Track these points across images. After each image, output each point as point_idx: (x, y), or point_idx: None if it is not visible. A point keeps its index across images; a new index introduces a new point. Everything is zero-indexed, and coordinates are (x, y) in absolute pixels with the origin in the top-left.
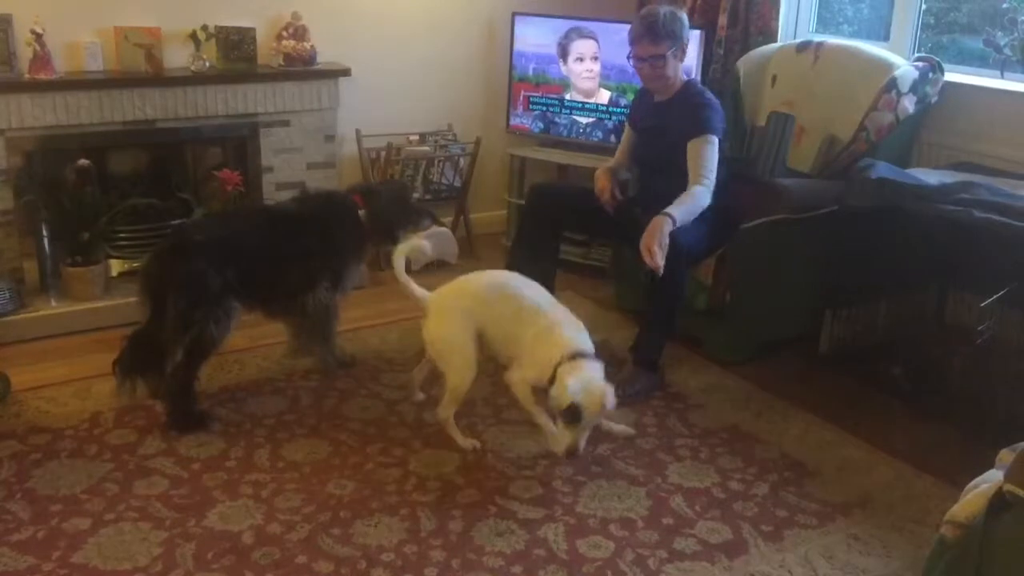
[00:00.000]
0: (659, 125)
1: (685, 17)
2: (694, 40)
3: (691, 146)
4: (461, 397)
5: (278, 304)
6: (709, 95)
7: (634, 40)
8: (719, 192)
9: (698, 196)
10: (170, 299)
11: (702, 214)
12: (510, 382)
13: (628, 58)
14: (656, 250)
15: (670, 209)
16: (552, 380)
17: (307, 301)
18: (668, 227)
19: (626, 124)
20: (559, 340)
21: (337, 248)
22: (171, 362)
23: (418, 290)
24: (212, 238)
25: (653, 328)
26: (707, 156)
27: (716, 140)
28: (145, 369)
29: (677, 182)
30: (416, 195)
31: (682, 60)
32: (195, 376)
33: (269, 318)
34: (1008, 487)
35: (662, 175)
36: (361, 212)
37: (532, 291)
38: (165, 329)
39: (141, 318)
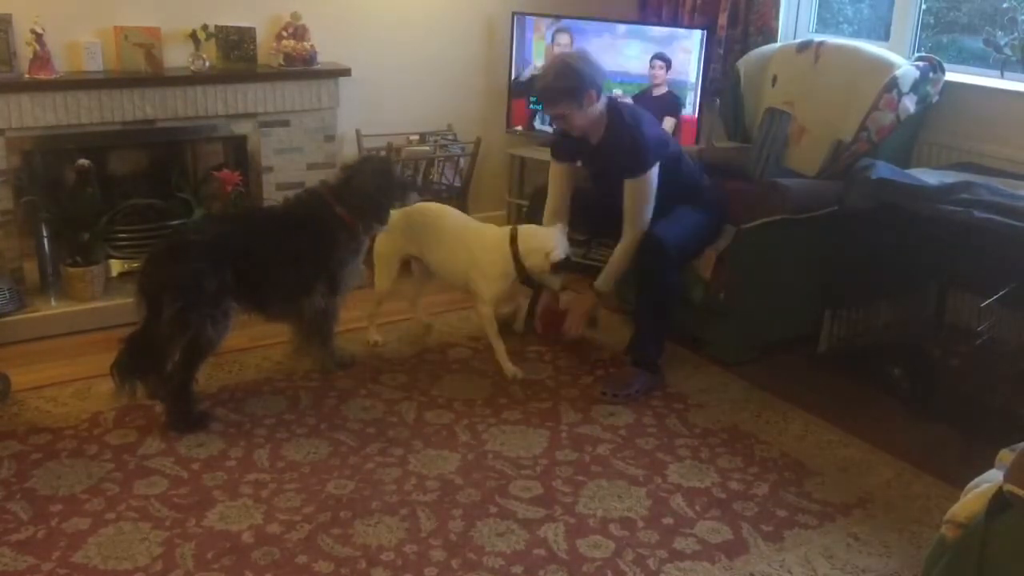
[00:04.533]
0: (603, 168)
1: (582, 63)
2: (694, 40)
3: (627, 186)
4: (379, 299)
5: (276, 307)
6: (634, 129)
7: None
8: (705, 186)
9: (629, 251)
10: (166, 300)
11: (693, 208)
12: (479, 314)
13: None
14: (578, 325)
15: (599, 283)
16: (517, 257)
17: (304, 305)
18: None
19: (552, 159)
20: (496, 230)
21: (328, 251)
22: (169, 363)
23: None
24: (208, 239)
25: (643, 328)
26: (641, 196)
27: (651, 173)
28: (143, 371)
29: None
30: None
31: (593, 103)
32: (193, 376)
33: (268, 320)
34: (1008, 487)
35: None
36: (338, 209)
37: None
38: (162, 330)
39: (138, 319)
